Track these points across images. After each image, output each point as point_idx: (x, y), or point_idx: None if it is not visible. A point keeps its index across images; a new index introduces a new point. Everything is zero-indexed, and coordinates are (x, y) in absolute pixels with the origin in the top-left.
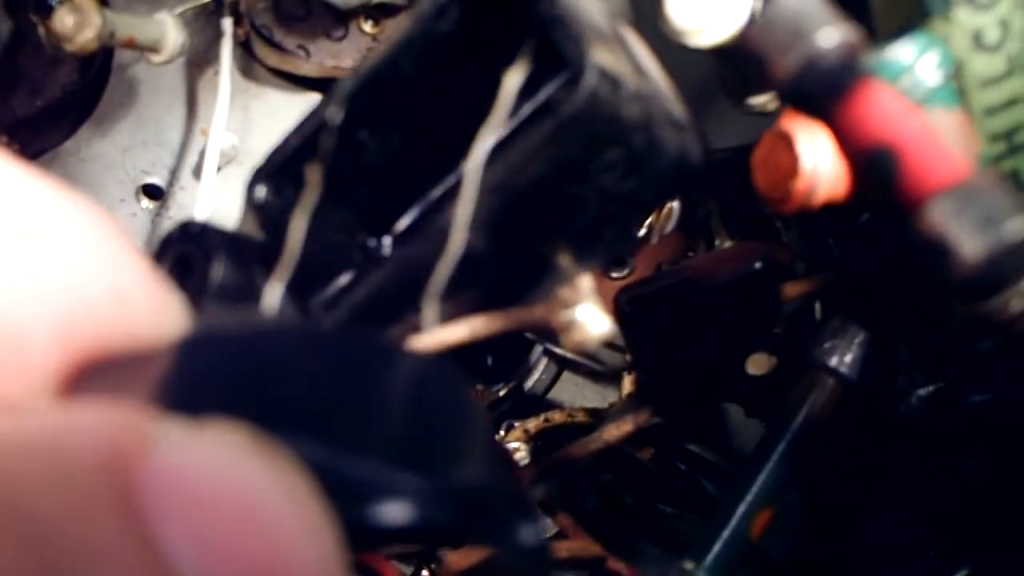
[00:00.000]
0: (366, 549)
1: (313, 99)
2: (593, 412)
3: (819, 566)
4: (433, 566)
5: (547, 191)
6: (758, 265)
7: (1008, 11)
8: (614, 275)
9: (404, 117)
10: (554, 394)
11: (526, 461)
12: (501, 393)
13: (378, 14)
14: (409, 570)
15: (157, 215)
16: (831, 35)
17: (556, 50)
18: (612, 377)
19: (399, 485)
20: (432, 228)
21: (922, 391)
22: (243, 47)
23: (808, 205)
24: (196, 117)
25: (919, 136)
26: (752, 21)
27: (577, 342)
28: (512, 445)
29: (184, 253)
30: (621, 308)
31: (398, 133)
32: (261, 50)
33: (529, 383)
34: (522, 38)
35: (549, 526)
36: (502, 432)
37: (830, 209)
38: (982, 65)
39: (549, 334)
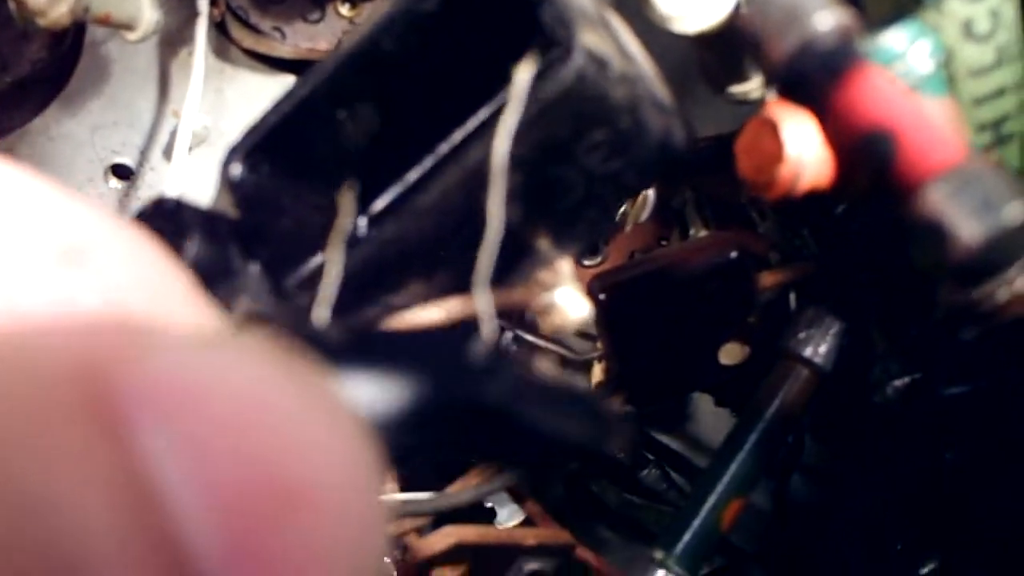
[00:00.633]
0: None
1: (288, 81)
2: None
3: (786, 557)
4: (397, 553)
5: (531, 172)
6: (733, 255)
7: (999, 1)
8: (586, 263)
9: (383, 97)
10: None
11: None
12: None
13: None
14: None
15: (126, 196)
16: (827, 18)
17: (541, 30)
18: (581, 365)
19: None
20: (410, 209)
21: (897, 382)
22: (218, 28)
23: (792, 192)
24: (168, 98)
25: (916, 119)
26: (745, 4)
27: (556, 326)
28: None
29: (157, 229)
30: (594, 295)
31: (376, 113)
32: (236, 31)
33: None
34: (504, 18)
35: (516, 512)
36: None
37: (806, 199)
38: (971, 55)
39: (519, 319)
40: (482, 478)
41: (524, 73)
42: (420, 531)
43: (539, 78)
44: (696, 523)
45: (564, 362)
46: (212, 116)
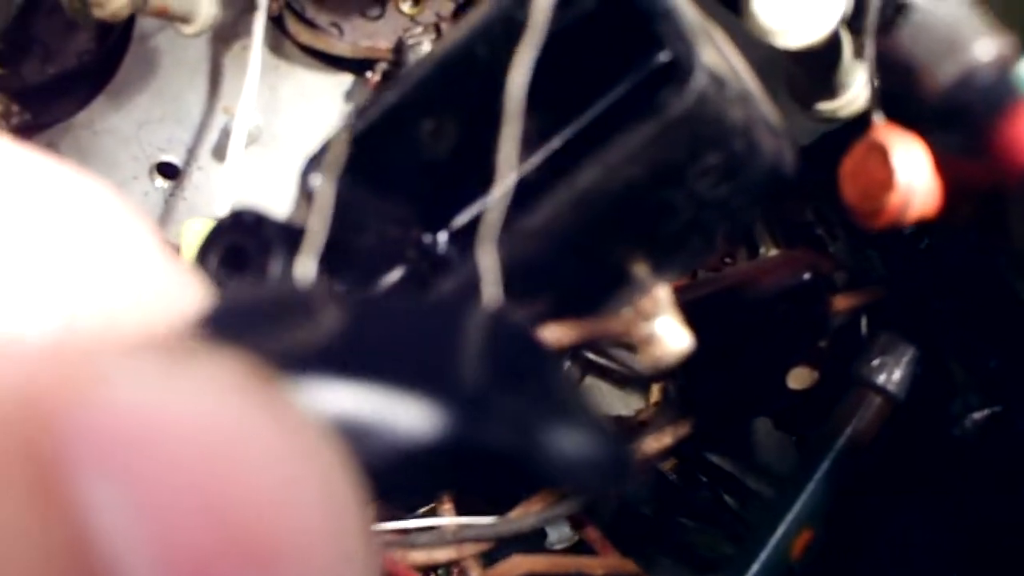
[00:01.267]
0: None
1: (344, 80)
2: (618, 420)
3: None
4: None
5: (640, 195)
6: (807, 276)
7: None
8: None
9: (470, 108)
10: None
11: None
12: None
13: None
14: None
15: (171, 195)
16: (989, 47)
17: (656, 43)
18: (636, 384)
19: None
20: (515, 232)
21: (977, 415)
22: (274, 22)
23: (900, 221)
24: (219, 94)
25: None
26: (900, 27)
27: (656, 357)
28: None
29: (237, 244)
30: None
31: (461, 125)
32: (293, 26)
33: None
34: (604, 30)
35: (566, 534)
36: None
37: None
38: None
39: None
40: (544, 504)
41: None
42: (479, 557)
43: (658, 98)
44: (764, 554)
45: (624, 380)
46: (265, 115)
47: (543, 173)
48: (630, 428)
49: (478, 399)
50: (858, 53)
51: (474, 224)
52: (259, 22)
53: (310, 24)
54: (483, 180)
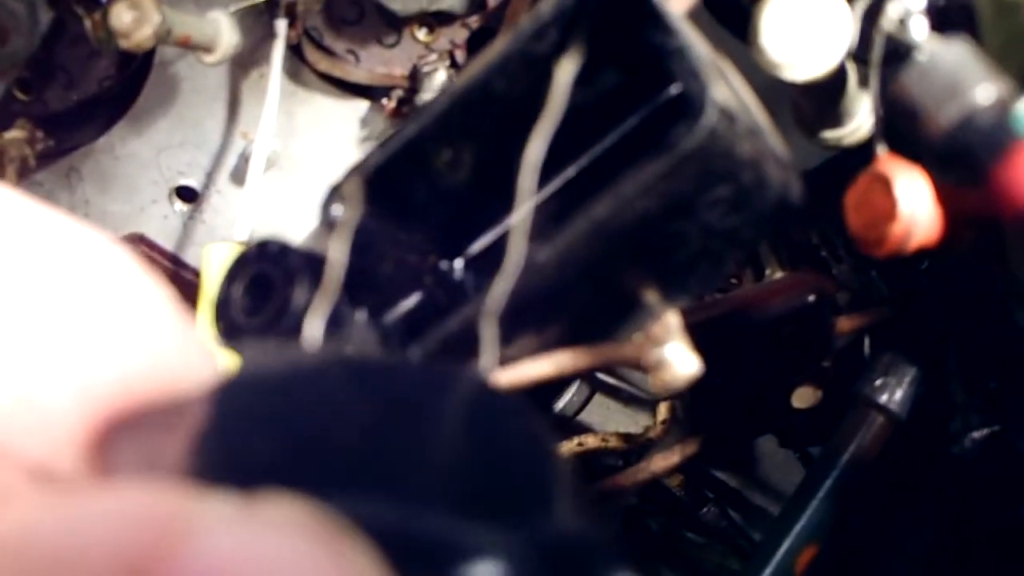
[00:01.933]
0: None
1: (360, 107)
2: (627, 437)
3: None
4: None
5: (652, 226)
6: (811, 298)
7: None
8: None
9: (487, 139)
10: (584, 416)
11: None
12: None
13: (433, 22)
14: None
15: (190, 218)
16: (989, 91)
17: (668, 78)
18: (644, 402)
19: (480, 543)
20: (529, 263)
21: (976, 434)
22: (292, 50)
23: (902, 250)
24: (237, 120)
25: None
26: (905, 70)
27: (666, 381)
28: None
29: (262, 273)
30: None
31: (478, 155)
32: (310, 54)
33: (560, 404)
34: (620, 65)
35: None
36: None
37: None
38: None
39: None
40: None
41: (565, 71)
42: None
43: (670, 133)
44: (769, 570)
45: (633, 398)
46: (283, 140)
47: (558, 202)
48: (639, 445)
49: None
50: (863, 83)
51: (489, 251)
52: (278, 50)
53: (327, 52)
54: (498, 209)
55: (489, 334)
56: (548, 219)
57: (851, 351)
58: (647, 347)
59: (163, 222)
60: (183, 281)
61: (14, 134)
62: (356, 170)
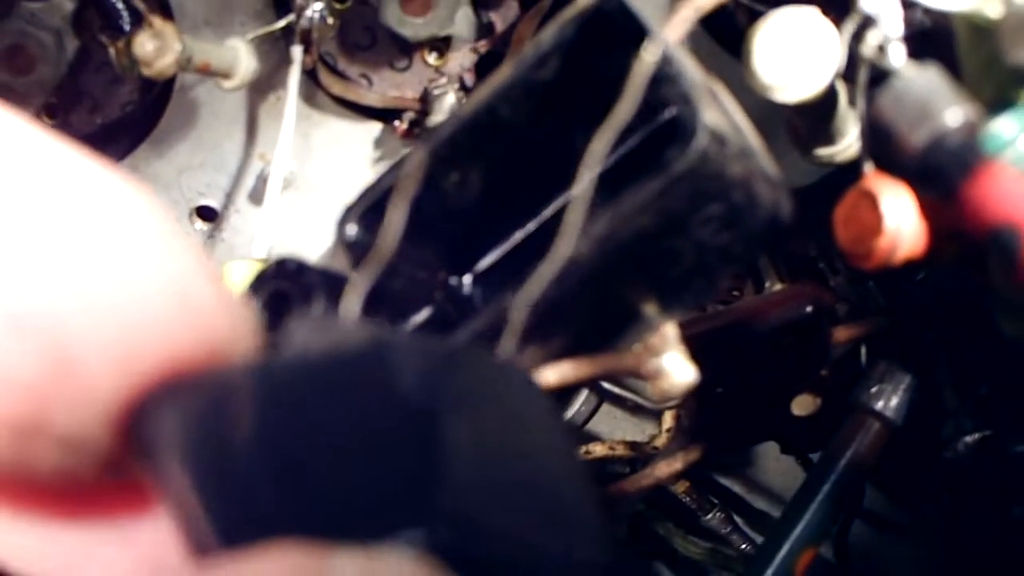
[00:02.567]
0: None
1: (374, 128)
2: (633, 445)
3: None
4: None
5: (648, 242)
6: (809, 309)
7: None
8: None
9: (493, 161)
10: (592, 425)
11: None
12: None
13: (443, 46)
14: None
15: (210, 237)
16: (957, 114)
17: (658, 103)
18: (650, 411)
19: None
20: (526, 277)
21: (968, 438)
22: (308, 75)
23: (889, 263)
24: (255, 142)
25: None
26: (881, 95)
27: (664, 390)
28: None
29: (280, 290)
30: None
31: (485, 176)
32: (325, 78)
33: (569, 413)
34: (617, 89)
35: None
36: None
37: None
38: None
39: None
40: None
41: (600, 142)
42: None
43: (664, 155)
44: (770, 572)
45: (638, 407)
46: (299, 161)
47: (558, 222)
48: (645, 453)
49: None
50: (853, 102)
51: (497, 267)
52: (294, 75)
53: (341, 76)
54: (505, 226)
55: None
56: (554, 235)
57: (848, 360)
58: (646, 357)
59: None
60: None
61: None
62: (369, 192)
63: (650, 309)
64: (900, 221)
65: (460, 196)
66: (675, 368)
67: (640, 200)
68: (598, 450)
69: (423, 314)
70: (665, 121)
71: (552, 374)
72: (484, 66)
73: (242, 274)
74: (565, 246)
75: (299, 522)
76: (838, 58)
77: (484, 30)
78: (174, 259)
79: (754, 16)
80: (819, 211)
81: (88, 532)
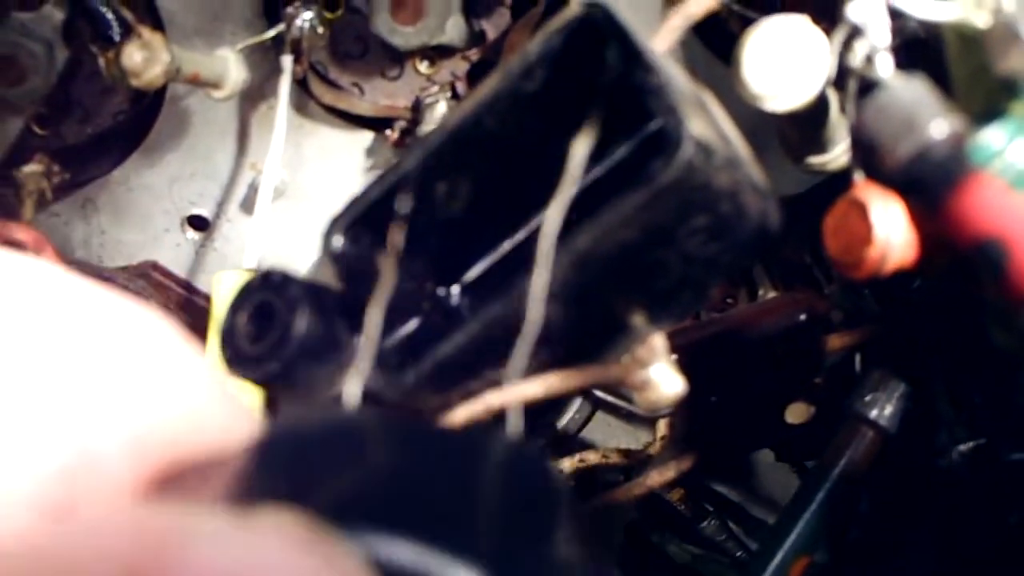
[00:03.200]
0: None
1: (365, 138)
2: (627, 453)
3: None
4: None
5: (634, 254)
6: (802, 318)
7: None
8: None
9: (481, 171)
10: (586, 433)
11: None
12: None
13: (434, 55)
14: None
15: (202, 246)
16: (942, 126)
17: (645, 114)
18: (644, 419)
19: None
20: (512, 288)
21: (963, 447)
22: (299, 84)
23: (879, 272)
24: (246, 151)
25: None
26: (867, 106)
27: (652, 401)
28: None
29: (265, 302)
30: None
31: (473, 186)
32: (316, 87)
33: (563, 422)
34: (604, 102)
35: None
36: None
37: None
38: None
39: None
40: None
41: (580, 147)
42: None
43: (649, 167)
44: None
45: (632, 416)
46: (289, 170)
47: None
48: (639, 461)
49: (492, 555)
50: (844, 111)
51: (485, 278)
52: (285, 84)
53: (333, 85)
54: (493, 237)
55: (523, 350)
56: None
57: (842, 368)
58: (633, 368)
59: (176, 250)
60: (195, 307)
61: (32, 168)
62: (354, 204)
63: (638, 320)
64: (890, 231)
65: (448, 207)
66: (663, 379)
67: (625, 212)
68: (592, 458)
69: (411, 325)
70: (651, 133)
71: (538, 386)
72: (476, 74)
73: (232, 284)
74: (540, 274)
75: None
76: (828, 67)
77: (476, 39)
78: (178, 361)
79: (747, 23)
80: (813, 219)
81: None
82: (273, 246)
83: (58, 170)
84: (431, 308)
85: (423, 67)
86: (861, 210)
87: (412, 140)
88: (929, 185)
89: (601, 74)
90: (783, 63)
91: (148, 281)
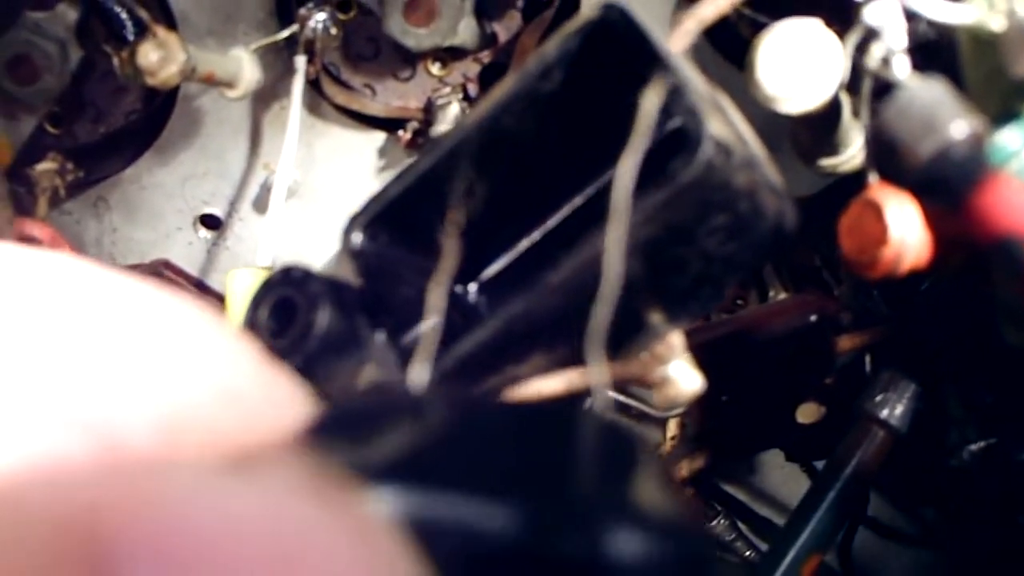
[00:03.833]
0: None
1: (377, 138)
2: None
3: None
4: None
5: (653, 252)
6: (813, 318)
7: None
8: None
9: (498, 170)
10: None
11: None
12: None
13: (446, 56)
14: None
15: (214, 245)
16: (962, 126)
17: (667, 113)
18: (655, 419)
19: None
20: (540, 286)
21: (973, 446)
22: (311, 85)
23: (894, 273)
24: (259, 151)
25: None
26: (887, 107)
27: (670, 398)
28: None
29: (286, 298)
30: None
31: (490, 185)
32: (329, 88)
33: None
34: (623, 103)
35: None
36: None
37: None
38: None
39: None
40: None
41: (650, 101)
42: None
43: (670, 166)
44: None
45: (643, 416)
46: (303, 170)
47: (568, 228)
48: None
49: (584, 510)
50: (857, 114)
51: (502, 276)
52: (298, 84)
53: (345, 86)
54: (510, 235)
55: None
56: (559, 244)
57: (853, 368)
58: (652, 365)
59: (188, 249)
60: (207, 306)
61: (45, 166)
62: (374, 201)
63: (656, 318)
64: (905, 231)
65: (466, 205)
66: (681, 376)
67: (645, 210)
68: None
69: (431, 321)
70: (670, 132)
71: (559, 382)
72: (487, 76)
73: (246, 282)
74: (617, 227)
75: None
76: (842, 70)
77: (487, 40)
78: (218, 353)
79: (757, 28)
80: (824, 221)
81: None
82: (285, 245)
83: (71, 168)
84: (449, 306)
85: (435, 69)
86: (876, 211)
87: (424, 141)
88: (950, 184)
89: (618, 75)
90: (798, 65)
91: (160, 280)
